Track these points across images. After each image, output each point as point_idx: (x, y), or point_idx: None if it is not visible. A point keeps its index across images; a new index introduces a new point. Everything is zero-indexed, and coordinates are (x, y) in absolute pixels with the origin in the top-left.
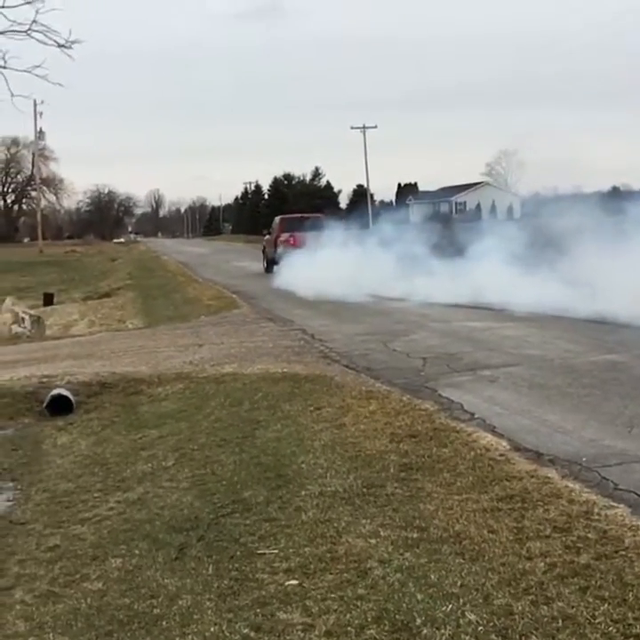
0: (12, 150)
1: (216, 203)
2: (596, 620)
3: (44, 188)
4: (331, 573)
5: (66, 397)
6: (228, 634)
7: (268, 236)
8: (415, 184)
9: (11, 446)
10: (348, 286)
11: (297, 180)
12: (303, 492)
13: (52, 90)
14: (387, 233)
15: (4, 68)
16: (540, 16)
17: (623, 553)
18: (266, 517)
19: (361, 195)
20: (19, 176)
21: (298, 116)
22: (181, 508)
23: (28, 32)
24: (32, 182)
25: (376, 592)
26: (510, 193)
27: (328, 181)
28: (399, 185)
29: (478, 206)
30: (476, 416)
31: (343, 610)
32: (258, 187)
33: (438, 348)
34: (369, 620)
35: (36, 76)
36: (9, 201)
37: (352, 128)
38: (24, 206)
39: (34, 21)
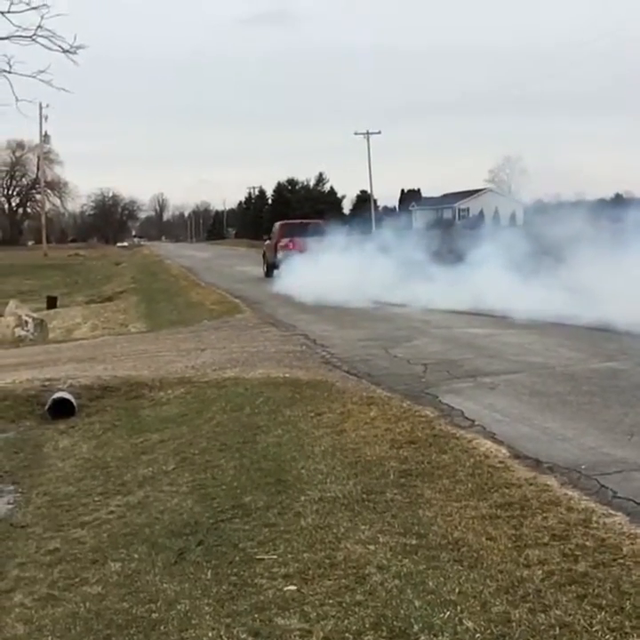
0: (18, 153)
1: (220, 207)
2: (594, 628)
3: (49, 191)
4: (329, 579)
5: (68, 401)
6: (226, 639)
7: (268, 241)
8: (418, 190)
9: (12, 449)
10: (350, 292)
11: (301, 185)
12: (303, 498)
13: (58, 93)
14: (389, 239)
15: (10, 72)
16: (544, 26)
17: (621, 561)
18: (265, 523)
19: (364, 200)
20: (23, 179)
21: (302, 121)
22: (181, 512)
23: (34, 37)
24: (37, 185)
25: (374, 598)
26: (513, 200)
27: (332, 187)
28: (402, 191)
29: (481, 213)
30: (476, 423)
31: (341, 616)
32: (262, 192)
33: (439, 355)
34: (367, 626)
35: (41, 80)
36: (14, 204)
37: (356, 134)
38: (28, 209)
39: (39, 26)
